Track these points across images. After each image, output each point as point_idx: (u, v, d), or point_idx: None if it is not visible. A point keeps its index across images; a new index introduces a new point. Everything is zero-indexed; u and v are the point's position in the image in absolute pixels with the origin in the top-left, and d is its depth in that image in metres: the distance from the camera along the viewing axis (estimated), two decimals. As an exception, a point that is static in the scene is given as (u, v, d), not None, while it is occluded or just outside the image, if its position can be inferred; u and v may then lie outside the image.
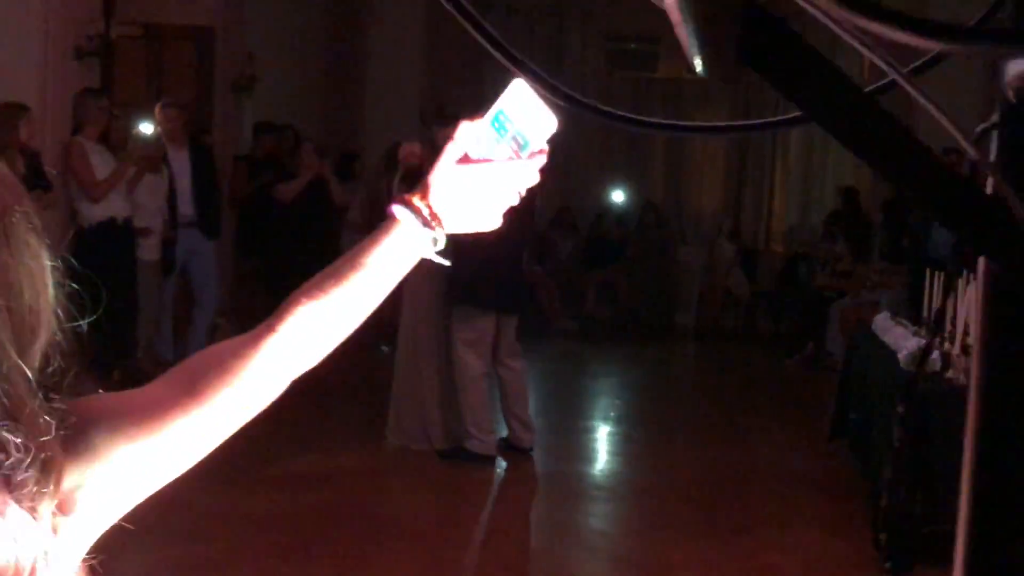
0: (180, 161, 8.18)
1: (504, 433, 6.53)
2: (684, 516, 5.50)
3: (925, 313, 6.24)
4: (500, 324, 6.39)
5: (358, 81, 12.38)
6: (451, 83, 12.43)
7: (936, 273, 5.90)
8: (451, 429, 6.37)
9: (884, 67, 0.85)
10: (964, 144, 0.86)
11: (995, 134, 0.94)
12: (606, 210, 13.22)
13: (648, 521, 5.47)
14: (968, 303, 5.33)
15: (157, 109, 8.07)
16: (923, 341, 5.09)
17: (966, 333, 5.26)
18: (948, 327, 5.42)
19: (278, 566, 4.58)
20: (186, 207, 8.17)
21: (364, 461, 6.27)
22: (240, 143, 9.98)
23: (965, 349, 5.21)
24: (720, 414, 8.43)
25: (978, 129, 0.96)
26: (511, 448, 6.49)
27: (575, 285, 12.87)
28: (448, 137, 1.34)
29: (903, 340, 5.27)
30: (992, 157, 0.94)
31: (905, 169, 0.91)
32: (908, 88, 0.86)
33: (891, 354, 5.25)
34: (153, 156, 7.65)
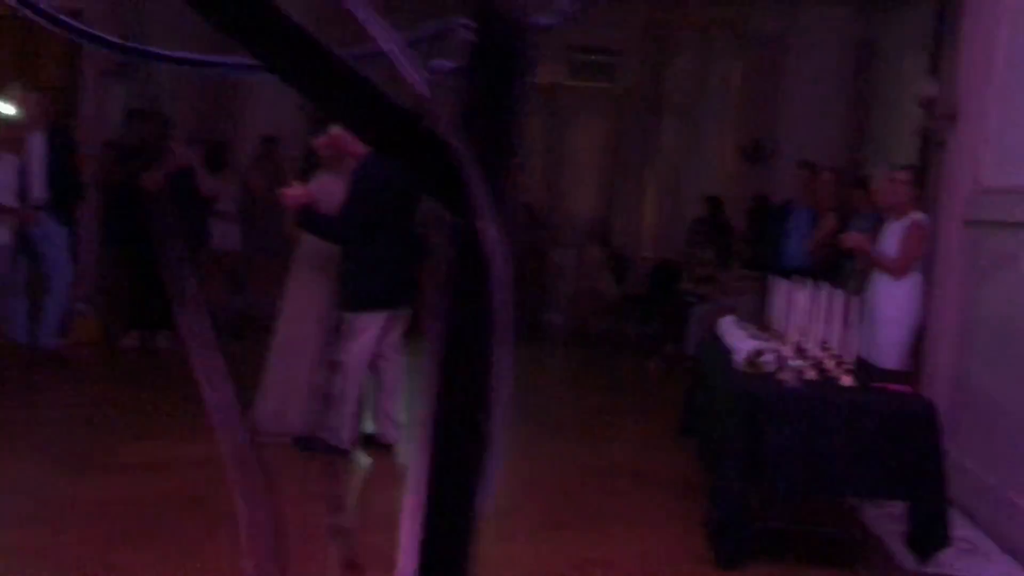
0: (37, 145, 7.98)
1: (370, 428, 6.49)
2: (525, 511, 5.50)
3: (769, 317, 6.40)
4: (390, 320, 6.35)
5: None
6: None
7: (787, 280, 6.05)
8: (313, 420, 6.30)
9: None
10: (418, 84, 0.85)
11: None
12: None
13: (488, 516, 5.45)
14: (808, 309, 5.47)
15: (15, 92, 7.85)
16: (759, 344, 5.18)
17: (801, 336, 5.40)
18: (785, 331, 5.56)
19: (112, 552, 4.47)
20: (40, 191, 7.95)
21: (212, 450, 6.11)
22: (113, 129, 9.72)
23: (799, 351, 5.35)
24: (579, 413, 8.50)
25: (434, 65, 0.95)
26: (375, 444, 6.44)
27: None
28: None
29: (741, 342, 5.36)
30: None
31: (348, 105, 0.89)
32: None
33: (731, 355, 5.34)
34: (10, 138, 7.43)
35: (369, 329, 6.19)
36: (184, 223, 9.14)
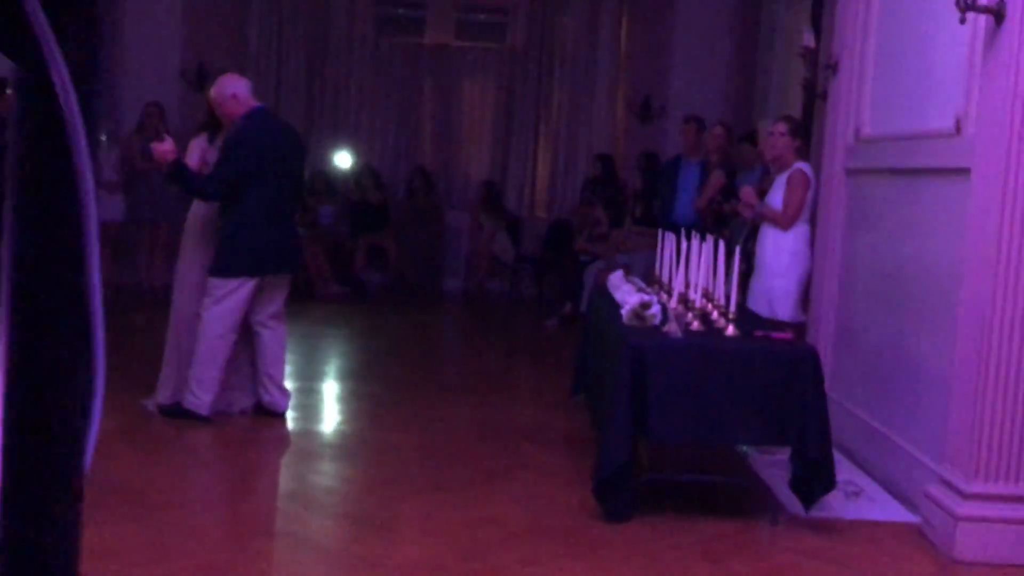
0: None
1: (263, 397, 6.37)
2: (415, 472, 5.47)
3: (658, 272, 6.41)
4: (264, 285, 6.19)
5: (113, 38, 11.78)
6: (212, 39, 11.98)
7: (676, 235, 6.05)
8: (178, 386, 6.20)
9: None
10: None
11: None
12: (361, 175, 13.03)
13: (379, 478, 5.40)
14: (694, 262, 5.48)
15: None
16: (645, 297, 5.18)
17: (686, 287, 5.41)
18: (672, 284, 5.57)
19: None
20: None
21: (107, 425, 5.95)
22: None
23: (684, 303, 5.36)
24: (474, 375, 8.46)
25: None
26: (264, 412, 6.32)
27: (343, 249, 12.69)
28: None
29: (628, 296, 5.35)
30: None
31: None
32: None
33: (618, 310, 5.33)
34: None
35: (233, 294, 6.06)
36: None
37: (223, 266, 6.07)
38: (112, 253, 10.87)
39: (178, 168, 6.04)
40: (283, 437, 6.11)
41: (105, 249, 10.64)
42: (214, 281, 6.08)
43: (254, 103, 6.21)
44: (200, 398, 6.09)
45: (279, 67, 13.09)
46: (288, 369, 7.68)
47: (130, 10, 11.79)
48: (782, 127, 6.60)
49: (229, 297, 6.06)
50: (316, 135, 13.18)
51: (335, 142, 13.34)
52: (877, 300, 5.92)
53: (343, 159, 13.23)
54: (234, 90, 6.16)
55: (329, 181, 12.92)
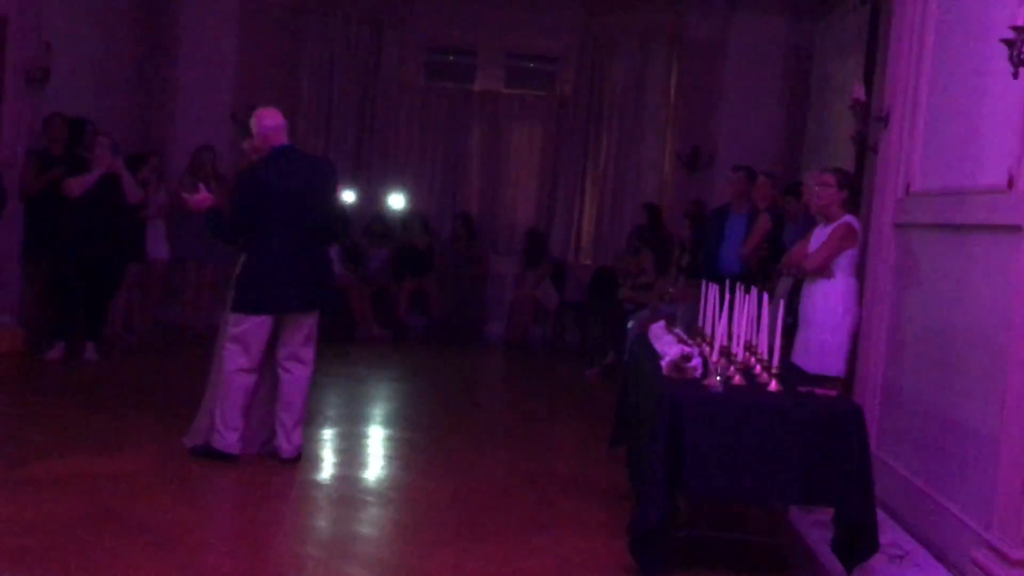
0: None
1: (272, 439, 6.34)
2: (449, 521, 5.39)
3: (701, 323, 6.32)
4: (284, 325, 6.19)
5: (166, 78, 11.96)
6: (265, 83, 12.10)
7: (721, 286, 5.97)
8: (206, 425, 6.22)
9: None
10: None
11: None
12: (410, 220, 13.08)
13: (411, 525, 5.34)
14: (737, 314, 5.39)
15: None
16: (685, 348, 5.10)
17: (728, 339, 5.32)
18: (714, 336, 5.48)
19: (16, 571, 4.28)
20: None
21: (127, 464, 5.97)
22: (34, 136, 9.46)
23: (727, 356, 5.27)
24: (514, 422, 8.39)
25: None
26: (271, 455, 6.28)
27: (388, 293, 12.71)
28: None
29: (668, 347, 5.27)
30: None
31: None
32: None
33: (659, 361, 5.24)
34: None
35: (248, 330, 6.10)
36: (112, 232, 8.93)
37: (237, 301, 6.14)
38: (159, 292, 10.95)
39: (212, 214, 6.21)
40: (315, 481, 6.06)
41: (153, 288, 10.74)
42: (232, 317, 6.16)
43: (278, 141, 6.21)
44: (224, 437, 6.10)
45: (329, 111, 13.19)
46: (325, 412, 7.70)
47: (183, 53, 11.96)
48: (830, 178, 6.53)
49: (245, 333, 6.11)
50: (365, 179, 13.26)
51: (384, 186, 13.40)
52: (926, 358, 5.78)
53: (396, 201, 13.28)
54: (260, 127, 6.22)
55: (384, 225, 12.97)
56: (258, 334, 6.12)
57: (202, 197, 6.28)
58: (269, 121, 6.21)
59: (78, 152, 9.15)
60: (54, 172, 8.88)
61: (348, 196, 13.07)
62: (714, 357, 5.07)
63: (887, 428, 6.22)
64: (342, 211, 6.37)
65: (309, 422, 6.88)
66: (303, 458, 6.27)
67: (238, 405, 6.11)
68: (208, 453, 6.11)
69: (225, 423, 6.10)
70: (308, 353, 6.29)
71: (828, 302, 6.41)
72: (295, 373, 6.23)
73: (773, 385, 4.83)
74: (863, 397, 6.42)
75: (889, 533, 5.43)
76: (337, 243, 6.52)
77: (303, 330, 6.25)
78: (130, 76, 11.46)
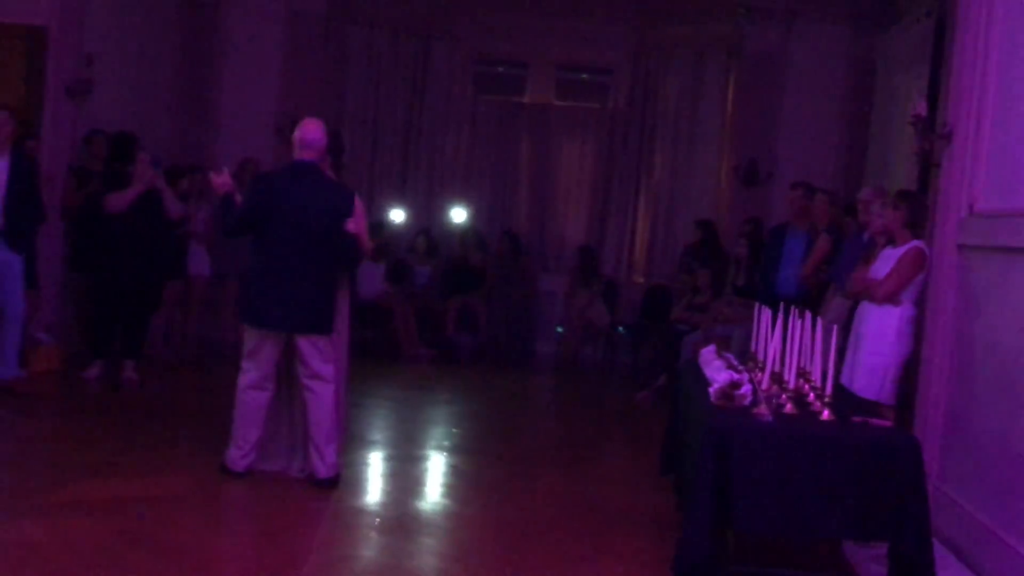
0: (1, 169, 7.94)
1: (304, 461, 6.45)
2: (488, 552, 5.41)
3: (754, 348, 6.29)
4: (294, 342, 6.29)
5: (210, 91, 12.12)
6: (309, 97, 12.23)
7: (781, 308, 5.94)
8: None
9: None
10: None
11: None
12: (466, 236, 13.14)
13: (451, 555, 5.36)
14: (790, 339, 5.35)
15: None
16: (735, 376, 5.08)
17: (781, 365, 5.29)
18: (765, 361, 5.45)
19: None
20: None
21: (164, 487, 6.06)
22: (75, 151, 9.64)
23: (778, 383, 5.24)
24: (564, 447, 8.37)
25: None
26: (309, 478, 6.35)
27: (434, 310, 12.77)
28: None
29: (717, 373, 5.26)
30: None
31: None
32: None
33: (707, 388, 5.23)
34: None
35: (257, 348, 6.30)
36: (153, 248, 9.05)
37: (240, 310, 6.51)
38: (200, 308, 11.08)
39: (226, 200, 6.44)
40: (353, 508, 6.10)
41: (193, 304, 10.87)
42: (246, 332, 6.41)
43: (304, 156, 6.30)
44: (231, 454, 6.32)
45: (375, 124, 13.32)
46: (367, 435, 7.74)
47: (227, 66, 12.12)
48: (892, 202, 6.54)
49: (255, 349, 6.30)
50: (410, 192, 13.36)
51: (430, 202, 13.49)
52: (991, 387, 5.69)
53: (457, 215, 13.34)
54: (296, 133, 6.37)
55: (430, 241, 13.03)
56: (265, 349, 6.29)
57: (223, 180, 6.43)
58: (302, 133, 6.32)
59: (118, 167, 9.29)
60: (91, 188, 9.03)
61: (396, 215, 13.18)
62: (764, 384, 5.05)
63: (950, 459, 6.14)
64: (353, 244, 6.36)
65: (349, 446, 6.93)
66: (343, 483, 6.32)
67: (249, 423, 6.29)
68: (224, 471, 6.33)
69: (235, 440, 6.32)
70: (328, 370, 6.32)
71: (883, 326, 6.38)
72: (316, 392, 6.30)
73: (826, 414, 4.80)
74: (924, 426, 6.35)
75: (951, 571, 5.37)
76: (343, 271, 6.52)
77: (317, 348, 6.30)
78: (173, 89, 11.64)
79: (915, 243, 6.46)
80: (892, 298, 6.41)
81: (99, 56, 9.62)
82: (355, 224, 6.31)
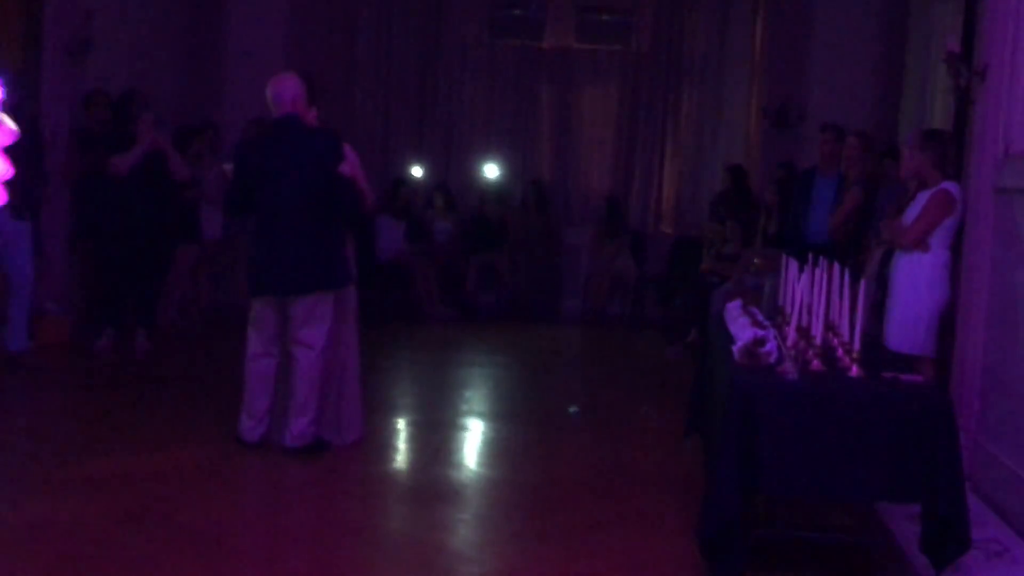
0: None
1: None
2: (511, 519, 5.47)
3: (781, 301, 6.26)
4: (285, 306, 6.35)
5: (215, 47, 12.09)
6: (319, 51, 12.21)
7: (810, 259, 5.90)
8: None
9: None
10: None
11: None
12: (487, 189, 13.11)
13: (474, 524, 5.41)
14: (818, 291, 5.31)
15: None
16: (760, 332, 5.06)
17: (807, 323, 5.26)
18: (792, 316, 5.42)
19: (56, 577, 4.43)
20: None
21: (175, 462, 6.12)
22: (76, 114, 9.65)
23: (806, 338, 5.21)
24: (590, 407, 8.39)
25: None
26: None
27: (455, 268, 12.79)
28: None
29: (743, 330, 5.24)
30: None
31: None
32: None
33: (732, 345, 5.21)
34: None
35: (258, 316, 6.42)
36: (160, 212, 9.08)
37: (247, 283, 6.65)
38: (211, 272, 11.14)
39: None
40: (373, 476, 6.15)
41: (205, 267, 10.93)
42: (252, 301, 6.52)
43: (280, 112, 6.33)
44: (242, 423, 6.44)
45: (388, 74, 13.30)
46: (387, 400, 7.78)
47: (233, 19, 12.06)
48: (913, 142, 6.47)
49: (257, 317, 6.42)
50: (427, 146, 13.33)
51: (447, 154, 13.46)
52: (1030, 336, 5.66)
53: (490, 170, 13.30)
54: (268, 94, 6.40)
55: (449, 197, 13.01)
56: (265, 317, 6.39)
57: (230, 168, 6.63)
58: (269, 91, 6.38)
59: (124, 128, 9.28)
60: (94, 151, 9.03)
61: (415, 171, 13.15)
62: (791, 340, 5.02)
63: (989, 413, 6.11)
64: (349, 190, 6.33)
65: (369, 411, 6.95)
66: (362, 451, 6.41)
67: (256, 392, 6.40)
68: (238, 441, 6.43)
69: (246, 410, 6.43)
70: (313, 337, 6.32)
71: (913, 276, 6.34)
72: (299, 359, 6.34)
73: (854, 371, 4.77)
74: (962, 379, 6.32)
75: (989, 528, 5.36)
76: (349, 225, 6.51)
77: (305, 312, 6.31)
78: (177, 45, 11.59)
79: (944, 185, 6.40)
80: (920, 244, 6.36)
81: (99, 13, 9.60)
82: (348, 169, 6.31)
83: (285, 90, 6.34)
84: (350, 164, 6.41)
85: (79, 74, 9.49)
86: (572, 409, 7.71)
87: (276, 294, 6.36)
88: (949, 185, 6.42)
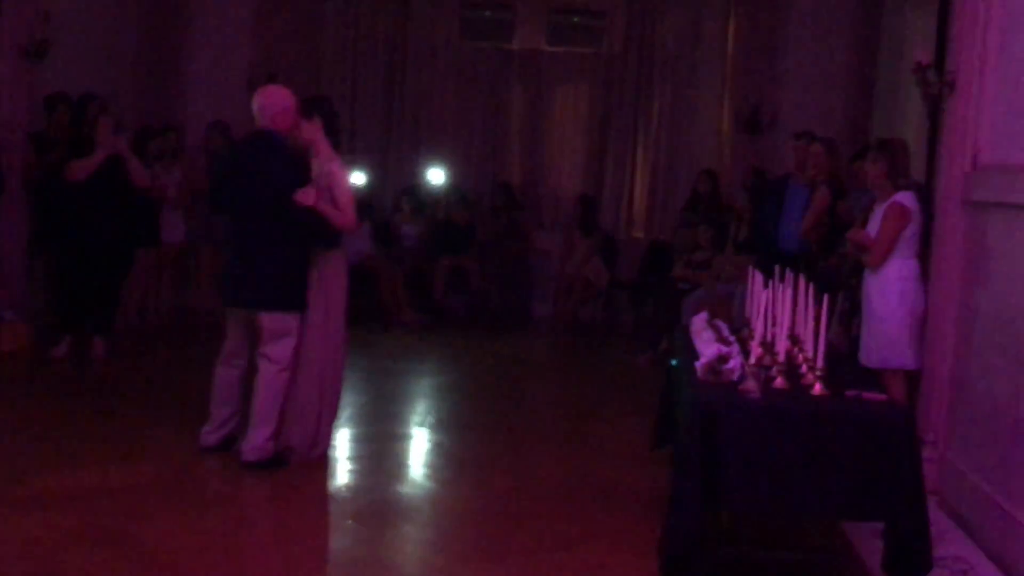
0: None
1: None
2: (472, 537, 5.49)
3: (748, 313, 6.32)
4: (251, 318, 6.43)
5: (178, 47, 12.07)
6: (284, 50, 12.21)
7: (781, 268, 5.96)
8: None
9: None
10: None
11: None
12: (454, 191, 13.13)
13: (438, 542, 5.46)
14: (782, 305, 5.36)
15: None
16: (723, 348, 5.11)
17: (769, 343, 5.31)
18: (757, 330, 5.48)
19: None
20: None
21: (137, 477, 6.12)
22: (36, 117, 9.62)
23: (770, 353, 5.26)
24: (559, 419, 8.43)
25: None
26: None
27: (423, 272, 12.80)
28: None
29: (706, 345, 5.29)
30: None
31: None
32: None
33: (695, 362, 5.27)
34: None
35: (226, 323, 6.61)
36: (119, 217, 9.06)
37: None
38: (173, 276, 11.13)
39: None
40: (330, 494, 6.18)
41: (166, 271, 10.92)
42: None
43: (260, 124, 6.42)
44: (204, 429, 6.60)
45: (355, 75, 13.29)
46: (348, 411, 7.80)
47: (196, 20, 12.04)
48: (871, 155, 6.59)
49: (226, 325, 6.62)
50: (394, 148, 13.34)
51: (415, 156, 13.46)
52: (1000, 351, 5.70)
53: (435, 176, 13.30)
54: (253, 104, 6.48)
55: (416, 200, 13.02)
56: (230, 325, 6.55)
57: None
58: (255, 100, 6.46)
59: (83, 132, 9.27)
60: (52, 155, 9.02)
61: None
62: (754, 358, 5.08)
63: (957, 428, 6.19)
64: (307, 218, 6.33)
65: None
66: (321, 466, 6.43)
67: (219, 400, 6.55)
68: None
69: (209, 415, 6.58)
70: (276, 352, 6.35)
71: (882, 289, 6.45)
72: (261, 371, 6.42)
73: (817, 388, 4.84)
74: (930, 393, 6.41)
75: (953, 545, 5.44)
76: (314, 246, 6.51)
77: (268, 326, 6.36)
78: (138, 45, 11.55)
79: (895, 197, 6.50)
80: (884, 261, 6.46)
81: (57, 13, 9.57)
82: (308, 196, 6.28)
83: (268, 104, 6.40)
84: (340, 188, 6.43)
85: (36, 76, 9.46)
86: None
87: (231, 305, 6.51)
88: (901, 196, 6.52)
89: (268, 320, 6.34)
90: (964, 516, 5.80)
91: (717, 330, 5.85)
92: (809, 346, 5.20)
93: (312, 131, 6.49)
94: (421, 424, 8.02)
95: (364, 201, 12.40)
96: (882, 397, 4.98)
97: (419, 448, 7.35)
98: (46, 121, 9.41)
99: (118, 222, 9.08)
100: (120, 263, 9.36)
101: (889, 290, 6.44)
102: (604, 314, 12.99)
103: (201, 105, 11.73)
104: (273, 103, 6.38)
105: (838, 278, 7.46)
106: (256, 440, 6.34)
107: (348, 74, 13.27)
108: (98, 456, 6.47)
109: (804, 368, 5.11)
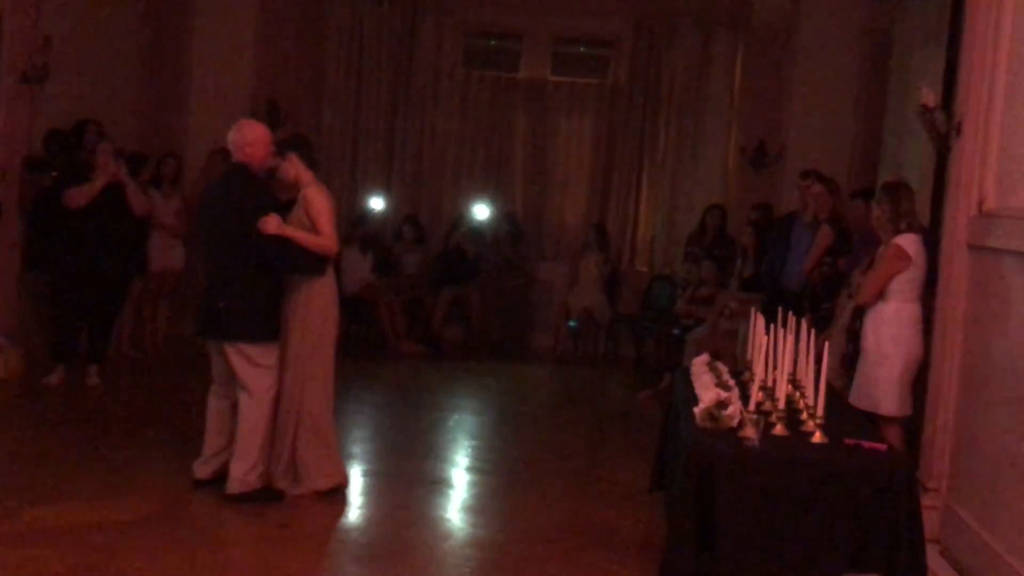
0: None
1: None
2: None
3: (749, 355, 6.33)
4: (220, 349, 6.51)
5: (179, 72, 12.12)
6: (287, 79, 12.26)
7: (785, 308, 5.97)
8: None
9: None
10: None
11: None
12: (459, 222, 13.16)
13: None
14: (784, 348, 5.37)
15: None
16: (722, 393, 5.12)
17: (769, 387, 5.32)
18: (757, 374, 5.49)
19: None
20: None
21: (129, 511, 6.11)
22: (33, 143, 9.65)
23: (770, 398, 5.26)
24: (556, 458, 8.38)
25: None
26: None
27: (423, 302, 12.82)
28: None
29: (705, 389, 5.30)
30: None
31: None
32: None
33: (693, 406, 5.27)
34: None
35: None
36: (116, 245, 9.09)
37: None
38: (170, 303, 11.14)
39: None
40: (326, 532, 6.18)
41: (164, 299, 10.93)
42: None
43: (235, 157, 6.54)
44: (198, 461, 6.66)
45: (359, 103, 13.34)
46: (344, 447, 7.77)
47: (197, 45, 12.08)
48: (876, 198, 6.64)
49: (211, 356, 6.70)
50: (397, 177, 13.39)
51: (418, 185, 13.51)
52: (1004, 400, 5.67)
53: (481, 210, 13.38)
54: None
55: (418, 229, 13.06)
56: (213, 356, 6.63)
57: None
58: (229, 135, 6.57)
59: (79, 157, 9.30)
60: (46, 179, 9.05)
61: (376, 203, 13.19)
62: (753, 403, 5.08)
63: (959, 477, 6.17)
64: (273, 248, 6.35)
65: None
66: (314, 504, 6.43)
67: (211, 430, 6.65)
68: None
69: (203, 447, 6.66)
70: (252, 382, 6.41)
71: (878, 331, 6.46)
72: (239, 402, 6.47)
73: (817, 436, 4.84)
74: (932, 440, 6.39)
75: (955, 596, 5.42)
76: (299, 270, 6.53)
77: (232, 358, 6.42)
78: (140, 72, 11.57)
79: (896, 240, 6.52)
80: (875, 300, 6.48)
81: (58, 38, 9.61)
82: (269, 223, 6.28)
83: (237, 138, 6.52)
84: (319, 216, 6.45)
85: (36, 101, 9.49)
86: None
87: (202, 337, 6.69)
88: (902, 239, 6.53)
89: (232, 351, 6.40)
90: (965, 564, 5.78)
91: (717, 373, 5.85)
92: (810, 391, 5.21)
93: (291, 168, 6.61)
94: (418, 463, 7.96)
95: (370, 231, 12.48)
96: (882, 447, 4.98)
97: (415, 489, 7.29)
98: (45, 147, 9.44)
99: (115, 249, 9.10)
100: (116, 291, 9.39)
101: (883, 332, 6.45)
102: (606, 347, 12.99)
103: (202, 131, 11.75)
104: (242, 136, 6.51)
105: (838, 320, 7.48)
106: (236, 472, 6.40)
107: (351, 101, 13.33)
108: (90, 488, 6.47)
109: (805, 415, 5.11)
